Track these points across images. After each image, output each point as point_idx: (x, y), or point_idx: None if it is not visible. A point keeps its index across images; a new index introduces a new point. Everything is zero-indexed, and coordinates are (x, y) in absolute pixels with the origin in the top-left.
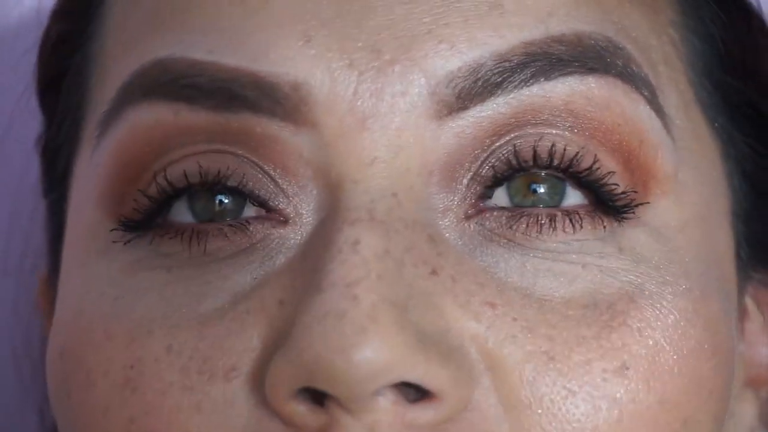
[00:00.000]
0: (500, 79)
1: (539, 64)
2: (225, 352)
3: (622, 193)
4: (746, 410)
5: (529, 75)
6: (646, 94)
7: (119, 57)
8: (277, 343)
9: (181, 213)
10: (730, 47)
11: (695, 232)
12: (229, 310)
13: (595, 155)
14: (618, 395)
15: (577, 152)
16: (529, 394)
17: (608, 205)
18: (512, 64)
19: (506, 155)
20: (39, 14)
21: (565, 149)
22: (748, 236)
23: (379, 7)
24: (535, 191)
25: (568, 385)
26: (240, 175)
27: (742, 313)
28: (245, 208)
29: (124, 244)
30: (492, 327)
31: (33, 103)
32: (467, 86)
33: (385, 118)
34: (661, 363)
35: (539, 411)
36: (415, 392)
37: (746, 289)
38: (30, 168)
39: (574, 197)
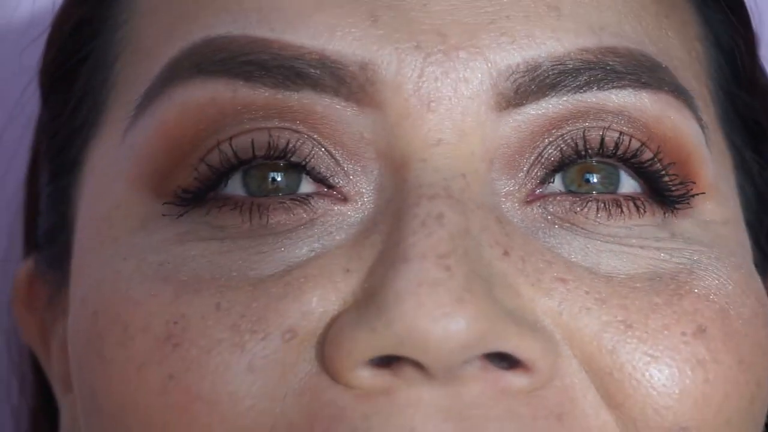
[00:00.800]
0: (555, 81)
1: (593, 72)
2: (281, 314)
3: (680, 183)
4: None
5: (583, 81)
6: (694, 110)
7: (159, 38)
8: (350, 308)
9: (236, 189)
10: (744, 62)
11: (735, 229)
12: (285, 275)
13: (658, 146)
14: (701, 356)
15: (641, 145)
16: (609, 363)
17: (664, 195)
18: (567, 68)
19: (575, 139)
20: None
21: (630, 141)
22: (751, 246)
23: None
24: (588, 181)
25: (649, 351)
26: (304, 150)
27: None
28: (301, 186)
29: (178, 217)
30: (565, 301)
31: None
32: (525, 83)
33: (449, 102)
34: (731, 325)
35: (621, 378)
36: (500, 363)
37: None
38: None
39: (627, 187)
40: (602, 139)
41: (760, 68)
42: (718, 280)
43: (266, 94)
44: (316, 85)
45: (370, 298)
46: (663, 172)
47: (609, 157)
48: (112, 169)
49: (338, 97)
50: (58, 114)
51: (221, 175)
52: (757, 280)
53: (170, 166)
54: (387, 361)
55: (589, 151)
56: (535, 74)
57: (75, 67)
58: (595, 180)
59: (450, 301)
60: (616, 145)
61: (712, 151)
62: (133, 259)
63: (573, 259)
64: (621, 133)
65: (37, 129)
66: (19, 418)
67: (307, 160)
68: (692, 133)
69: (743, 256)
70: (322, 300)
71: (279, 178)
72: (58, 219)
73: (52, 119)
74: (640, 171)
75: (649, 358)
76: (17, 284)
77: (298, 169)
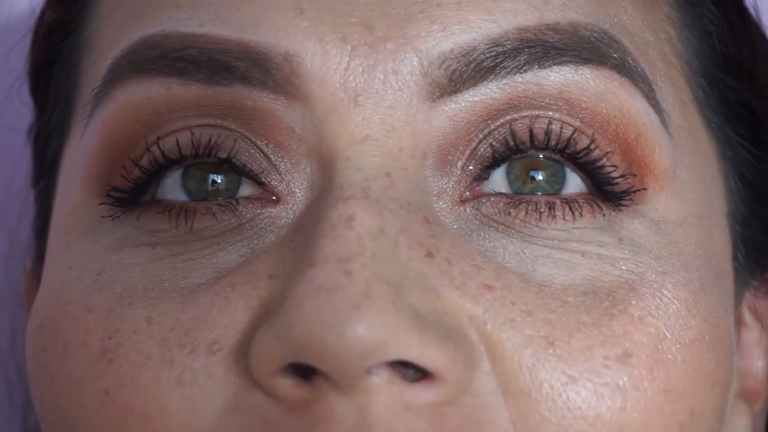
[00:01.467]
0: (493, 63)
1: (533, 50)
2: (208, 325)
3: (621, 176)
4: (739, 422)
5: (522, 62)
6: (643, 88)
7: (110, 39)
8: (264, 317)
9: (175, 192)
10: (728, 46)
11: (693, 229)
12: (213, 284)
13: (592, 135)
14: (621, 383)
15: (573, 131)
16: (528, 381)
17: (606, 191)
18: (505, 48)
19: (503, 135)
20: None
21: (561, 129)
22: (745, 239)
23: None
24: (533, 178)
25: (568, 372)
26: (231, 147)
27: (739, 322)
28: (240, 188)
29: (112, 219)
30: (490, 309)
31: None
32: (459, 68)
33: (377, 95)
34: (663, 351)
35: (538, 398)
36: (413, 373)
37: (743, 297)
38: (19, 166)
39: (573, 186)
40: (530, 132)
41: (762, 57)
42: (660, 300)
43: (198, 90)
44: (244, 78)
45: (278, 305)
46: (602, 162)
47: (543, 149)
48: (72, 173)
49: (266, 89)
50: (39, 115)
51: (152, 175)
52: (712, 295)
53: (110, 168)
54: (308, 370)
55: (520, 145)
56: (471, 58)
57: (50, 69)
58: (540, 177)
59: (346, 308)
60: (547, 135)
61: (675, 136)
62: (76, 269)
63: (507, 265)
64: (551, 120)
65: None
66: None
67: (235, 156)
68: (640, 112)
69: (699, 267)
70: (246, 309)
71: (219, 180)
72: (43, 221)
73: (36, 120)
74: (578, 163)
75: (567, 379)
76: (25, 276)
77: (236, 170)
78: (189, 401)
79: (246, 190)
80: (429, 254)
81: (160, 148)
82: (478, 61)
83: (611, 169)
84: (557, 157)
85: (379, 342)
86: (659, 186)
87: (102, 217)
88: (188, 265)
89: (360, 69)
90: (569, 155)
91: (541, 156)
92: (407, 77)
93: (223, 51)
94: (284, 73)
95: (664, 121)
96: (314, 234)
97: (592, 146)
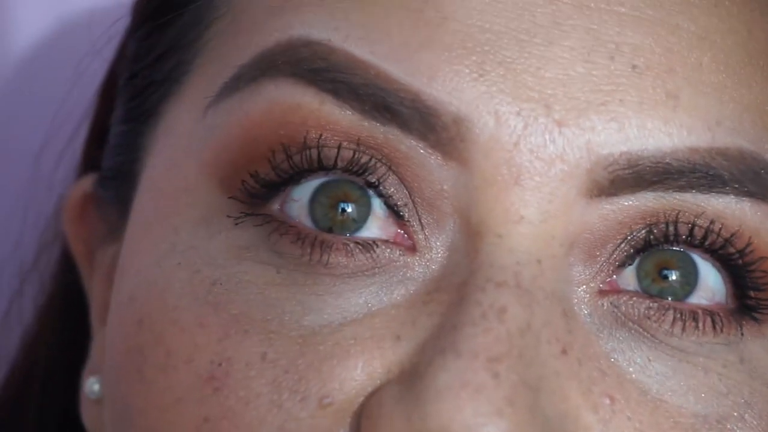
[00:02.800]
0: (656, 179)
1: (697, 176)
2: (323, 377)
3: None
4: None
5: (684, 183)
6: None
7: (260, 18)
8: (387, 382)
9: (300, 217)
10: None
11: None
12: (336, 331)
13: (749, 238)
14: None
15: (731, 235)
16: None
17: (748, 296)
18: (671, 167)
19: (662, 230)
20: None
21: (720, 230)
22: None
23: (560, 59)
24: (666, 277)
25: None
26: (382, 174)
27: None
28: (368, 221)
29: (236, 222)
30: (607, 422)
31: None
32: (623, 175)
33: (539, 179)
34: None
35: None
36: None
37: None
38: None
39: (705, 289)
40: (692, 228)
41: None
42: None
43: (352, 117)
44: (404, 124)
45: (412, 381)
46: (753, 267)
47: (697, 247)
48: (187, 144)
49: (425, 142)
50: (142, 56)
51: (287, 181)
52: None
53: (243, 162)
54: None
55: (680, 238)
56: (635, 169)
57: (171, 14)
58: (674, 277)
59: (489, 412)
60: (705, 235)
61: None
62: (186, 270)
63: (629, 370)
64: (712, 222)
65: (119, 53)
66: None
67: (381, 180)
68: None
69: None
70: (366, 367)
71: (349, 209)
72: (124, 164)
73: (135, 59)
74: (726, 262)
75: None
76: (71, 201)
77: (369, 199)
78: None
79: (374, 226)
80: (564, 351)
81: (319, 152)
82: (642, 173)
83: (761, 274)
84: (705, 256)
85: None
86: None
87: (227, 216)
88: (313, 301)
89: (528, 148)
90: (722, 256)
91: (670, 256)
92: (573, 169)
93: (389, 91)
94: (450, 134)
95: None
96: (462, 317)
97: (748, 249)
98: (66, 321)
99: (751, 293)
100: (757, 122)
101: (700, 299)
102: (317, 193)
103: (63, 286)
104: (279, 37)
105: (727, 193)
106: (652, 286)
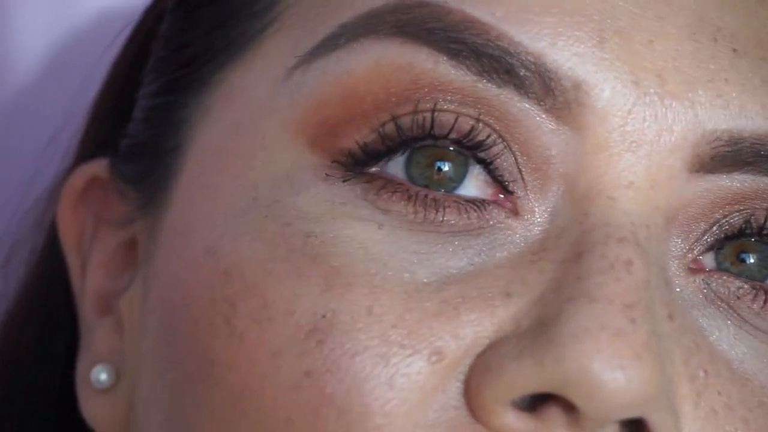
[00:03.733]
0: (752, 159)
1: None
2: (434, 332)
3: None
4: None
5: None
6: None
7: None
8: (503, 337)
9: (397, 171)
10: None
11: None
12: (440, 289)
13: None
14: None
15: None
16: None
17: None
18: (766, 150)
19: (740, 220)
20: None
21: None
22: None
23: (669, 35)
24: (744, 260)
25: None
26: (487, 137)
27: None
28: (465, 180)
29: (343, 182)
30: (700, 396)
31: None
32: (723, 152)
33: (649, 147)
34: None
35: None
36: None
37: None
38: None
39: None
40: None
41: None
42: None
43: (467, 78)
44: (521, 86)
45: (539, 329)
46: None
47: None
48: (264, 105)
49: (540, 106)
50: (193, 26)
51: (400, 144)
52: None
53: (343, 123)
54: (531, 406)
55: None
56: (736, 147)
57: None
58: (752, 260)
59: (630, 355)
60: None
61: None
62: (275, 221)
63: (719, 348)
64: None
65: (149, 28)
66: None
67: (493, 159)
68: None
69: None
70: (476, 325)
71: (445, 168)
72: (156, 137)
73: (183, 30)
74: None
75: None
76: (71, 187)
77: (466, 158)
78: (394, 407)
79: (471, 186)
80: (670, 317)
81: (433, 119)
82: (741, 152)
83: None
84: None
85: (645, 398)
86: None
87: (327, 175)
88: (415, 258)
89: (642, 116)
90: None
91: (753, 240)
92: (680, 141)
93: (510, 53)
94: (567, 98)
95: None
96: (588, 268)
97: None
98: (44, 317)
99: None
100: None
101: None
102: (414, 151)
103: (43, 281)
104: None
105: None
106: (732, 269)
